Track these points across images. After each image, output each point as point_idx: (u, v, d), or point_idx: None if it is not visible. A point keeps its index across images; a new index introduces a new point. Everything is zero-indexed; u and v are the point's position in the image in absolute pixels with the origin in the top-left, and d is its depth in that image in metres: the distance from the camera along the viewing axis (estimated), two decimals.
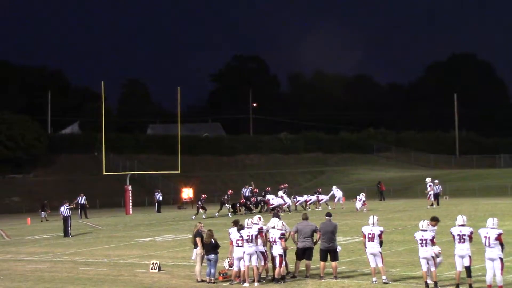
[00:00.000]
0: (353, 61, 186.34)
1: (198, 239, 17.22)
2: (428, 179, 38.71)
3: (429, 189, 37.53)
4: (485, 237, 14.19)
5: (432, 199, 36.92)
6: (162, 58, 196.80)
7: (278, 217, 17.68)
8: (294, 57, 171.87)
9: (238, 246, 16.41)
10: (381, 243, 15.73)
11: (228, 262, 17.18)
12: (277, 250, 16.31)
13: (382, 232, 15.82)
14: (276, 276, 16.28)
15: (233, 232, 16.77)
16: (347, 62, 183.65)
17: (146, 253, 23.34)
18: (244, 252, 16.31)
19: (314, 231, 16.91)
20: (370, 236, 15.67)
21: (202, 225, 18.07)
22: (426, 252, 14.94)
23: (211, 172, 76.13)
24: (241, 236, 16.38)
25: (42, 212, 46.00)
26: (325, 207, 38.01)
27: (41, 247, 27.58)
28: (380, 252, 15.70)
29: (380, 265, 15.55)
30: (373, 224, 15.86)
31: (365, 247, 15.82)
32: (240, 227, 16.64)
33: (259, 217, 17.21)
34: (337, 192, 40.42)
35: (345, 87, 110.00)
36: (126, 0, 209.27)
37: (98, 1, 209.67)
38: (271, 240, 16.47)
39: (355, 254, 20.27)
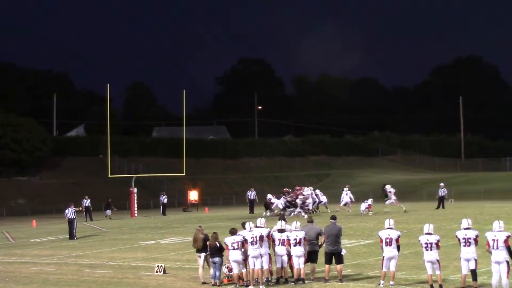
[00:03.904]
0: (358, 64, 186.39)
1: (208, 243, 17.27)
2: (388, 186, 38.50)
3: (389, 195, 37.45)
4: (493, 240, 14.12)
5: (388, 203, 36.96)
6: (167, 61, 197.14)
7: (284, 220, 17.65)
8: (299, 60, 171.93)
9: (233, 249, 16.40)
10: (398, 248, 15.65)
11: (227, 267, 17.15)
12: (298, 251, 16.36)
13: (399, 236, 15.72)
14: (295, 277, 16.41)
15: (228, 236, 16.77)
16: (352, 65, 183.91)
17: (151, 256, 23.36)
18: (248, 255, 16.30)
19: (319, 234, 16.91)
20: (388, 240, 15.55)
21: (203, 228, 18.13)
22: (431, 255, 14.90)
23: (216, 175, 76.12)
24: (236, 241, 16.37)
25: (108, 211, 46.47)
26: (323, 210, 37.96)
27: (46, 250, 27.63)
28: (398, 256, 15.66)
29: (392, 269, 15.49)
30: (390, 226, 15.78)
31: (383, 251, 15.71)
32: (233, 231, 16.66)
33: (264, 220, 17.25)
34: (345, 196, 39.01)
35: (350, 90, 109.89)
36: (131, 3, 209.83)
37: (104, 4, 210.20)
38: (292, 242, 16.45)
39: (360, 257, 20.24)
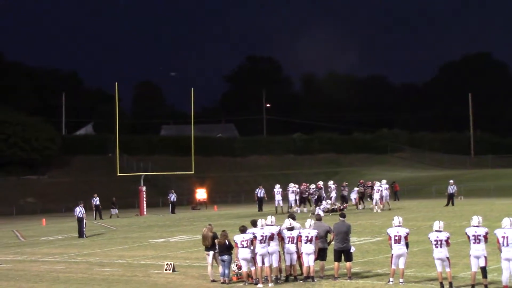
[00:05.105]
0: (366, 61, 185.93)
1: (217, 241, 17.30)
2: (384, 181, 37.20)
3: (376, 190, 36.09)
4: (503, 237, 14.06)
5: (377, 202, 35.74)
6: (175, 59, 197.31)
7: (294, 218, 17.63)
8: (307, 57, 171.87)
9: (242, 247, 16.40)
10: (407, 245, 15.60)
11: (236, 265, 17.17)
12: (308, 248, 16.33)
13: (408, 233, 15.66)
14: (305, 274, 16.37)
15: (238, 234, 16.77)
16: (360, 62, 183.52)
17: (160, 254, 23.39)
18: (256, 253, 16.30)
19: (328, 231, 16.89)
20: (397, 238, 15.50)
21: (213, 226, 18.13)
22: (441, 253, 14.85)
23: (224, 173, 76.18)
24: (245, 239, 16.36)
25: (113, 209, 46.51)
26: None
27: (56, 248, 27.72)
28: (406, 254, 15.63)
29: (401, 266, 15.45)
30: (399, 223, 15.75)
31: (391, 249, 15.68)
32: (242, 229, 16.67)
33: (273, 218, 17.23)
34: (385, 190, 36.56)
35: (359, 87, 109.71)
36: (138, 2, 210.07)
37: (111, 3, 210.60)
38: (303, 239, 16.42)
39: (369, 254, 20.20)
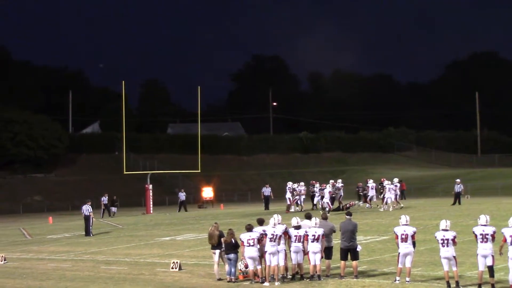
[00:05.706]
0: (373, 60, 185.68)
1: (223, 239, 17.31)
2: (396, 179, 36.92)
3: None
4: (511, 236, 14.01)
5: (387, 201, 35.19)
6: (182, 58, 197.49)
7: (310, 217, 17.61)
8: (313, 56, 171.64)
9: (249, 246, 16.39)
10: (414, 244, 15.57)
11: (243, 263, 17.17)
12: (315, 247, 16.30)
13: (415, 232, 15.62)
14: (311, 273, 16.35)
15: (244, 233, 16.76)
16: (367, 61, 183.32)
17: (166, 252, 23.41)
18: (266, 251, 16.29)
19: (333, 230, 16.88)
20: (404, 236, 15.47)
21: (219, 224, 18.14)
22: (448, 252, 14.81)
23: (231, 172, 76.17)
24: (252, 238, 16.35)
25: (113, 208, 46.60)
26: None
27: (63, 246, 27.78)
28: (413, 253, 15.59)
29: (408, 265, 15.42)
30: (406, 222, 15.71)
31: (398, 248, 15.65)
32: (249, 227, 16.65)
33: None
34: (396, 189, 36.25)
35: (365, 86, 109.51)
36: (145, 1, 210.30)
37: (119, 2, 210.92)
38: (310, 238, 16.40)
39: (375, 253, 20.17)
